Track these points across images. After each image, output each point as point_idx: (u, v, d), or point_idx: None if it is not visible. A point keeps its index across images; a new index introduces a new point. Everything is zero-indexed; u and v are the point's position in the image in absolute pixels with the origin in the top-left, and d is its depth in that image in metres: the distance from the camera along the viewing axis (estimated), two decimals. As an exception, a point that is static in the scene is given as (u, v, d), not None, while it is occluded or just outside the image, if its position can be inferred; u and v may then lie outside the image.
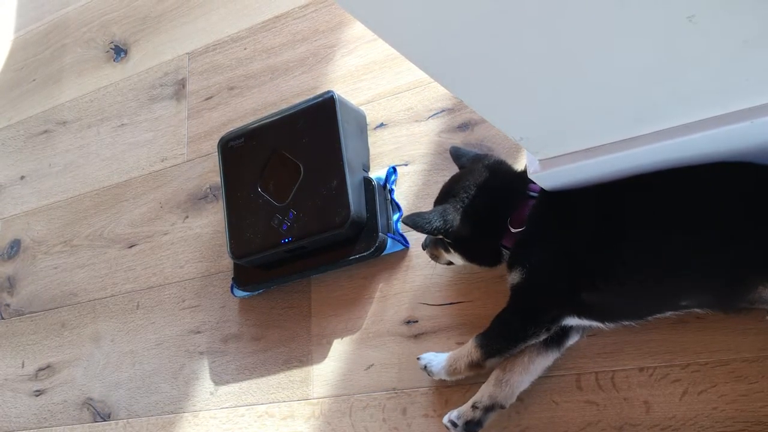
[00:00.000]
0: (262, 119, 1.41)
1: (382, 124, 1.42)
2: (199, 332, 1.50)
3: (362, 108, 1.43)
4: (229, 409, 1.40)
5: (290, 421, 1.32)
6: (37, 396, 1.67)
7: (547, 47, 0.71)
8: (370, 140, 1.41)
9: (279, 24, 1.63)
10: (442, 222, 1.09)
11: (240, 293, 1.43)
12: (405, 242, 1.29)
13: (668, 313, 1.00)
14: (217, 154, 1.46)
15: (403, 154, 1.37)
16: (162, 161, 1.70)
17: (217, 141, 1.46)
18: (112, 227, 1.72)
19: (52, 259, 1.78)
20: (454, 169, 1.30)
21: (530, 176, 1.01)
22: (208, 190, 1.60)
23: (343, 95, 1.48)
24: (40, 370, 1.69)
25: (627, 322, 1.03)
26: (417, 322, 1.26)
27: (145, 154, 1.74)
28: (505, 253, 1.10)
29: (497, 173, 1.13)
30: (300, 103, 1.37)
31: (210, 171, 1.62)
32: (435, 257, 1.22)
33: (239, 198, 1.39)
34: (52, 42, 2.07)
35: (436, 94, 1.37)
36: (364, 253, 1.26)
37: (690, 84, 0.79)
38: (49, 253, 1.80)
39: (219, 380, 1.43)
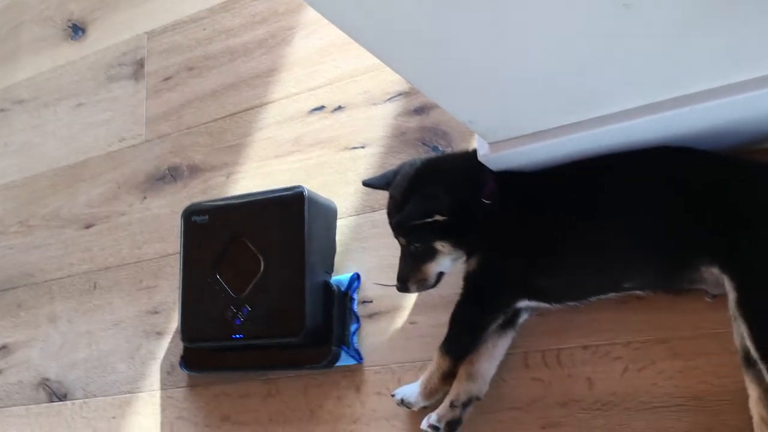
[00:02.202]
0: (228, 199, 1.36)
1: (339, 107, 1.43)
2: (156, 312, 1.50)
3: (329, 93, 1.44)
4: (187, 389, 1.41)
5: (246, 400, 1.33)
6: (-7, 376, 1.66)
7: (486, 31, 0.73)
8: (328, 122, 1.42)
9: (238, 5, 1.63)
10: (432, 200, 1.04)
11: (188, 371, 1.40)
12: (359, 358, 1.24)
13: (611, 294, 1.04)
14: (180, 224, 1.39)
15: (359, 137, 1.39)
16: (120, 141, 1.69)
17: (182, 211, 1.39)
18: (69, 207, 1.71)
19: (8, 239, 1.77)
20: (411, 153, 1.32)
21: (480, 159, 1.03)
22: (167, 171, 1.60)
23: (301, 77, 1.49)
24: (-4, 350, 1.68)
25: (572, 303, 1.07)
26: (371, 302, 1.27)
27: (103, 134, 1.72)
28: None
29: (449, 157, 1.15)
30: (269, 191, 1.31)
31: (169, 152, 1.61)
32: (423, 282, 1.11)
33: (196, 278, 1.35)
34: (9, 20, 2.03)
35: (393, 77, 1.38)
36: (315, 365, 1.24)
37: (629, 71, 0.82)
38: (5, 233, 1.78)
39: (177, 360, 1.43)
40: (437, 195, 1.05)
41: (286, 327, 1.22)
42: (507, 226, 1.06)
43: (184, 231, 1.38)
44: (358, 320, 1.27)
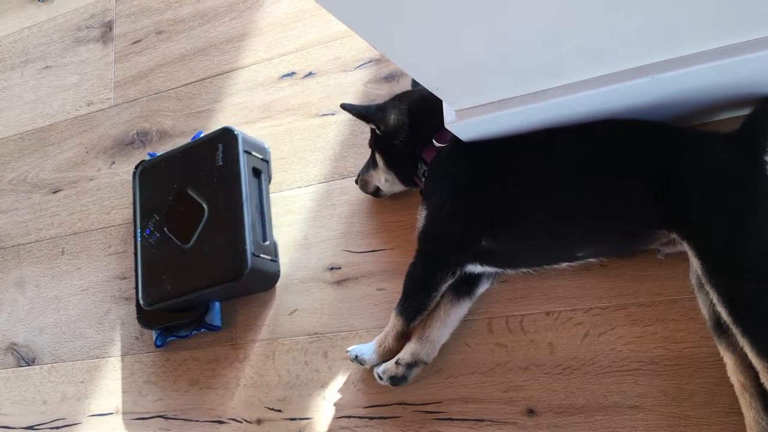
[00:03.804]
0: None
1: (310, 73, 1.42)
2: (125, 278, 1.49)
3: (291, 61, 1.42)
4: (155, 353, 1.41)
5: (215, 365, 1.34)
6: (-40, 341, 1.65)
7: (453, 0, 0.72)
8: (299, 88, 1.41)
9: (209, -32, 1.60)
10: (379, 113, 1.16)
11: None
12: (157, 344, 1.39)
13: (564, 265, 1.06)
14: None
15: (330, 103, 1.38)
16: (88, 105, 1.67)
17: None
18: (36, 172, 1.69)
19: (-26, 204, 1.75)
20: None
21: (447, 126, 1.03)
22: (135, 136, 1.58)
23: (272, 43, 1.48)
24: (-38, 315, 1.66)
25: (526, 270, 1.08)
26: (340, 268, 1.28)
27: (71, 98, 1.70)
28: (422, 170, 1.13)
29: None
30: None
31: (137, 117, 1.59)
32: (364, 183, 1.25)
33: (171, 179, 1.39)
34: (-27, -22, 1.98)
35: (364, 44, 1.37)
36: (140, 321, 1.40)
37: (593, 40, 0.83)
38: (-30, 197, 1.76)
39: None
40: (386, 110, 1.16)
41: (158, 289, 1.33)
42: (456, 186, 1.08)
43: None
44: (187, 335, 1.36)
